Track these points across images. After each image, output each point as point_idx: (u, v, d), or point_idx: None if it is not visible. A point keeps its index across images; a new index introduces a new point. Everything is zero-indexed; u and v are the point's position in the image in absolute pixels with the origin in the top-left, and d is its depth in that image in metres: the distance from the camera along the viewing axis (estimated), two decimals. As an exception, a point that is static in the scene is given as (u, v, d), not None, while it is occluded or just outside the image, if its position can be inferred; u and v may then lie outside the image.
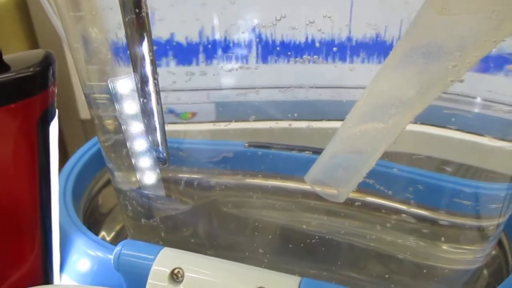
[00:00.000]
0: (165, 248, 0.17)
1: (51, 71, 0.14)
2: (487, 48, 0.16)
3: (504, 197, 0.18)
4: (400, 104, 0.19)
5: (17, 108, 0.14)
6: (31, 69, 0.13)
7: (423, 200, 0.21)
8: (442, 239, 0.19)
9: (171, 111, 0.24)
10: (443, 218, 0.20)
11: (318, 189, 0.21)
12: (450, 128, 0.20)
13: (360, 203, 0.22)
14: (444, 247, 0.20)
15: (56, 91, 0.15)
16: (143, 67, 0.18)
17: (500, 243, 0.23)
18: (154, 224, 0.24)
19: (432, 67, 0.17)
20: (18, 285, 0.17)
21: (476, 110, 0.19)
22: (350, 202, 0.22)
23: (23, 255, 0.17)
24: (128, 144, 0.22)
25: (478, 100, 0.19)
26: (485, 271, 0.23)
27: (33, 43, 0.42)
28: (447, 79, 0.17)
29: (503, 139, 0.18)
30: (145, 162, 0.22)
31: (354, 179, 0.20)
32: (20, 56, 0.14)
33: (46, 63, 0.14)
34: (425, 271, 0.20)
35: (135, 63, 0.18)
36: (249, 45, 0.21)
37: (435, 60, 0.17)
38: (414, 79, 0.18)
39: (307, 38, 0.20)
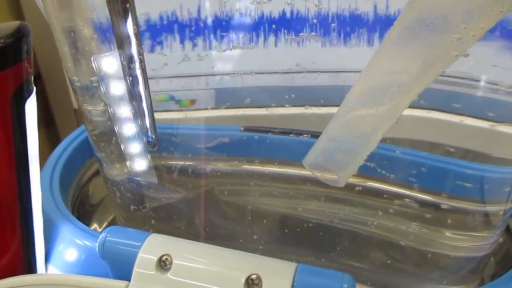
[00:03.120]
0: (153, 234, 0.16)
1: (24, 44, 0.13)
2: (493, 19, 0.16)
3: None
4: (402, 82, 0.18)
5: None
6: (1, 41, 0.12)
7: (426, 184, 0.20)
8: (446, 225, 0.18)
9: (171, 98, 0.23)
10: (447, 203, 0.19)
11: (317, 174, 0.20)
12: (454, 113, 0.19)
13: (360, 188, 0.21)
14: (448, 233, 0.19)
15: (31, 66, 0.14)
16: (128, 43, 0.18)
17: (508, 230, 0.22)
18: (146, 213, 0.23)
19: (435, 40, 0.16)
20: None
21: (480, 93, 0.19)
22: (350, 187, 0.21)
23: (2, 244, 0.16)
24: (116, 129, 0.21)
25: (482, 83, 0.19)
26: (492, 259, 0.23)
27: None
28: (451, 53, 0.16)
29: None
30: (134, 147, 0.21)
31: (355, 162, 0.19)
32: None
33: (19, 34, 0.13)
34: (429, 257, 0.19)
35: (119, 39, 0.17)
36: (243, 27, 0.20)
37: (439, 33, 0.16)
38: (416, 54, 0.17)
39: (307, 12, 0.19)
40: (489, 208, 0.18)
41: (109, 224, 0.27)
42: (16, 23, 0.13)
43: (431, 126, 0.20)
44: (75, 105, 0.43)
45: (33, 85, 0.15)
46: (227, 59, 0.21)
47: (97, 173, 0.27)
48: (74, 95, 0.22)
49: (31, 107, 0.14)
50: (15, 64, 0.13)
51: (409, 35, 0.17)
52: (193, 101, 0.24)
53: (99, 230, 0.27)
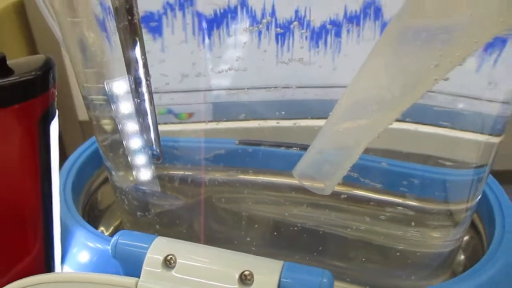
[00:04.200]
0: (159, 237, 0.18)
1: (51, 75, 0.16)
2: (468, 49, 0.18)
3: (471, 183, 0.19)
4: (382, 100, 0.20)
5: (20, 109, 0.15)
6: (33, 73, 0.15)
7: (396, 188, 0.22)
8: (415, 224, 0.21)
9: (170, 112, 0.25)
10: (414, 204, 0.21)
11: (305, 183, 0.22)
12: (410, 122, 0.22)
13: (345, 196, 0.23)
14: (417, 232, 0.21)
15: (55, 93, 0.16)
16: (136, 69, 0.20)
17: (476, 229, 0.25)
18: (150, 218, 0.25)
19: (414, 66, 0.18)
20: (22, 274, 0.18)
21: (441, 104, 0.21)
22: (334, 195, 0.23)
23: (26, 247, 0.18)
24: (124, 143, 0.23)
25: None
26: (462, 256, 0.25)
27: (32, 47, 0.44)
28: (431, 77, 0.18)
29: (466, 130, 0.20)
30: (140, 159, 0.24)
31: (339, 173, 0.21)
32: (23, 61, 0.16)
33: (47, 67, 0.15)
34: (398, 254, 0.21)
35: (129, 66, 0.20)
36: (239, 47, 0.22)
37: (416, 61, 0.18)
38: (398, 76, 0.19)
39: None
40: (453, 207, 0.20)
41: (116, 228, 0.29)
42: (43, 56, 0.16)
43: (401, 136, 0.22)
44: (80, 118, 0.45)
45: (56, 108, 0.17)
46: (223, 78, 0.23)
47: (105, 181, 0.29)
48: (87, 110, 0.24)
49: (54, 127, 0.17)
50: (43, 93, 0.15)
51: (391, 56, 0.19)
52: (191, 115, 0.26)
53: (106, 233, 0.29)
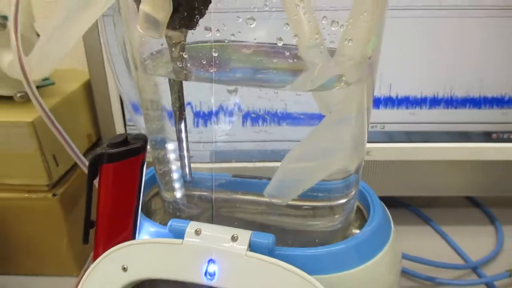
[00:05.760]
0: (192, 221, 0.35)
1: (146, 143, 0.33)
2: None
3: (342, 188, 0.35)
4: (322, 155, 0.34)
5: (135, 159, 0.32)
6: (141, 143, 0.33)
7: (306, 196, 0.34)
8: (314, 215, 0.36)
9: None
10: (314, 203, 0.36)
11: (272, 200, 0.34)
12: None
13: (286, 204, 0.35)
14: (317, 220, 0.36)
15: (147, 151, 0.34)
16: (180, 128, 0.35)
17: (362, 213, 0.38)
18: (182, 218, 0.34)
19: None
20: (122, 242, 0.35)
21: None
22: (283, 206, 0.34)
23: (125, 230, 0.35)
24: (171, 174, 0.37)
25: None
26: (357, 230, 0.37)
27: (94, 114, 0.57)
28: None
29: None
30: (178, 183, 0.39)
31: (295, 194, 0.33)
32: (133, 136, 0.33)
33: (145, 140, 0.33)
34: (306, 233, 0.36)
35: (178, 125, 0.34)
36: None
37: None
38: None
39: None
40: (333, 203, 0.35)
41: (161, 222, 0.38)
42: (143, 135, 0.33)
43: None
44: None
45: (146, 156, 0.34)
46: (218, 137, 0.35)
47: (156, 194, 0.41)
48: (152, 151, 0.38)
49: (144, 167, 0.34)
50: (143, 152, 0.33)
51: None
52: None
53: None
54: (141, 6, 0.25)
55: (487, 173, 0.56)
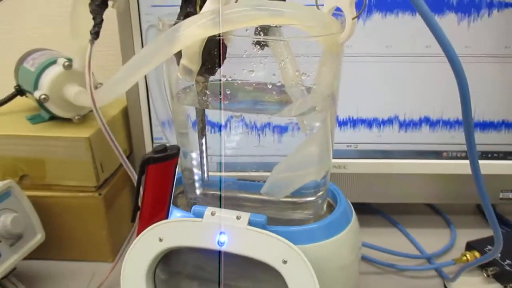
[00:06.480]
0: (208, 207, 0.49)
1: (179, 151, 0.48)
2: None
3: (314, 188, 0.50)
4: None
5: (171, 162, 0.47)
6: (176, 150, 0.47)
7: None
8: (295, 207, 0.51)
9: None
10: (294, 199, 0.49)
11: (268, 197, 0.45)
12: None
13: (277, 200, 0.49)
14: (298, 211, 0.50)
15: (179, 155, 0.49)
16: (201, 142, 0.51)
17: (332, 206, 0.51)
18: None
19: None
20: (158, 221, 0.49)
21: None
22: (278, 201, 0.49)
23: (161, 212, 0.49)
24: (194, 175, 0.53)
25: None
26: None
27: (128, 133, 0.68)
28: None
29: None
30: (198, 184, 0.53)
31: (286, 192, 0.45)
32: (170, 147, 0.48)
33: (178, 148, 0.48)
34: (292, 220, 0.49)
35: (201, 140, 0.50)
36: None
37: None
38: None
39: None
40: (307, 199, 0.50)
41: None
42: (177, 146, 0.48)
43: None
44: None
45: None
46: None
47: (182, 191, 0.52)
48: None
49: (177, 168, 0.49)
50: (176, 156, 0.47)
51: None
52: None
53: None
54: (181, 61, 0.41)
55: (443, 184, 0.70)
